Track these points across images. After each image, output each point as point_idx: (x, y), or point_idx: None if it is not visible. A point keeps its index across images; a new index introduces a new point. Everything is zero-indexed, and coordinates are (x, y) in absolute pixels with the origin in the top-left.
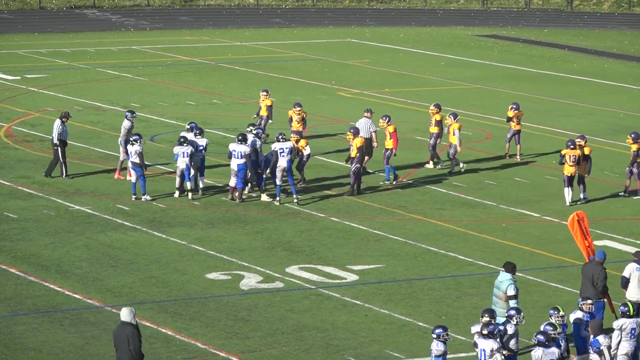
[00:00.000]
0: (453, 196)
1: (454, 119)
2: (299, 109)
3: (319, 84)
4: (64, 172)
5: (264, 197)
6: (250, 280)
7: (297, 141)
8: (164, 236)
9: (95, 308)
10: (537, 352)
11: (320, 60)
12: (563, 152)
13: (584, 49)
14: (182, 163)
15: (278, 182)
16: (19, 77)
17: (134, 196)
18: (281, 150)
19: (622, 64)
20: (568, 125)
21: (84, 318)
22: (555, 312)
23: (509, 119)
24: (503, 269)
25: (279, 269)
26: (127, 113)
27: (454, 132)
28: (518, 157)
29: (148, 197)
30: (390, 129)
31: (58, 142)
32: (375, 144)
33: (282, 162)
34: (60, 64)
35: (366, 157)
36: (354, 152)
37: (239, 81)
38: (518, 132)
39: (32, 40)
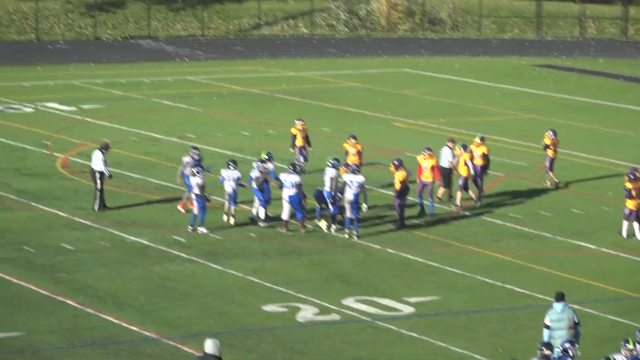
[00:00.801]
0: (509, 228)
1: (464, 150)
2: (354, 141)
3: (373, 114)
4: (98, 204)
5: (323, 224)
6: (306, 313)
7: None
8: (220, 268)
9: (152, 340)
10: None
11: (375, 90)
12: (628, 185)
13: (639, 79)
14: (228, 187)
15: (348, 214)
16: (74, 108)
17: (190, 227)
18: (350, 182)
19: None
20: (624, 156)
21: (141, 350)
22: (626, 345)
23: (546, 147)
24: (559, 300)
25: (335, 300)
26: (190, 149)
27: (465, 163)
28: (548, 182)
29: (204, 230)
30: (433, 162)
31: (99, 173)
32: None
33: (349, 195)
34: (115, 95)
35: (445, 189)
36: (397, 185)
37: (294, 111)
38: (553, 159)
39: (88, 71)
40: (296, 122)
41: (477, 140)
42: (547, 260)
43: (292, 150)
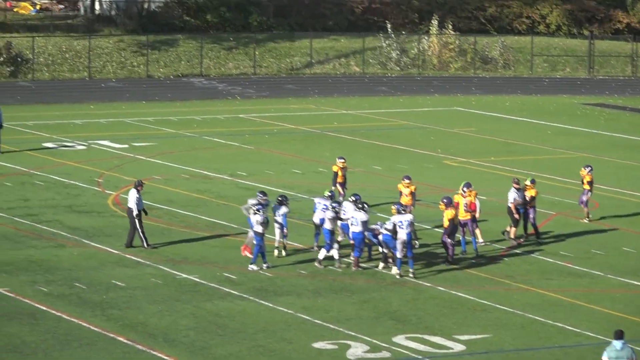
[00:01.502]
0: (560, 266)
1: (468, 188)
2: (407, 181)
3: (424, 152)
4: (145, 242)
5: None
6: (357, 350)
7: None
8: (270, 305)
9: None
10: None
11: (426, 128)
12: None
13: None
14: (316, 218)
15: (399, 255)
16: (126, 145)
17: (264, 265)
18: (400, 223)
19: None
20: None
21: None
22: None
23: (583, 182)
24: (619, 338)
25: (385, 338)
26: (258, 193)
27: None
28: (586, 219)
29: (255, 267)
30: (473, 199)
31: (137, 212)
32: (516, 216)
33: (402, 235)
34: (167, 132)
35: (513, 228)
36: (445, 223)
37: (345, 149)
38: (588, 194)
39: (140, 109)
40: (338, 159)
41: (528, 182)
42: (598, 299)
43: (333, 187)
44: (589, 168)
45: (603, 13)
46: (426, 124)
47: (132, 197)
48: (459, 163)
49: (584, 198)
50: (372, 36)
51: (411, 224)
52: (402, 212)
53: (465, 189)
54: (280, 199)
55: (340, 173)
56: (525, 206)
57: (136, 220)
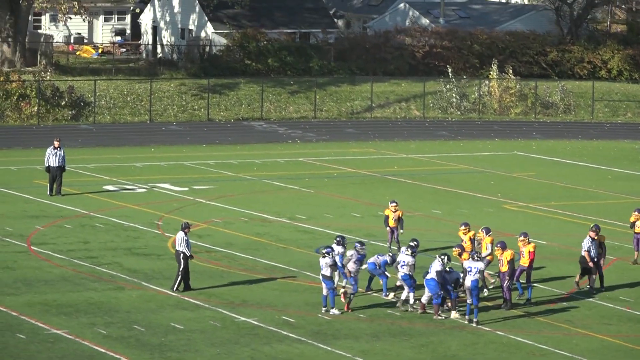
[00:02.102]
0: (620, 311)
1: (486, 234)
2: (464, 227)
3: (484, 197)
4: (176, 285)
5: (454, 315)
6: None
7: (459, 254)
8: (329, 348)
9: None
10: None
11: (486, 172)
12: None
13: None
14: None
15: (469, 301)
16: (187, 189)
17: (323, 309)
18: (469, 269)
19: None
20: None
21: None
22: None
23: (633, 225)
24: None
25: None
26: (356, 244)
27: (486, 247)
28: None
29: (336, 311)
30: (530, 247)
31: (190, 254)
32: (590, 264)
33: (468, 282)
34: (227, 175)
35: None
36: (504, 267)
37: (405, 193)
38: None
39: (200, 152)
40: (390, 203)
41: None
42: None
43: (387, 228)
44: (638, 211)
45: None
46: (486, 168)
47: (179, 239)
48: (519, 207)
49: (635, 241)
50: (432, 80)
51: (481, 272)
52: (477, 259)
53: (522, 237)
54: (337, 239)
55: (391, 217)
56: (598, 257)
57: (182, 262)
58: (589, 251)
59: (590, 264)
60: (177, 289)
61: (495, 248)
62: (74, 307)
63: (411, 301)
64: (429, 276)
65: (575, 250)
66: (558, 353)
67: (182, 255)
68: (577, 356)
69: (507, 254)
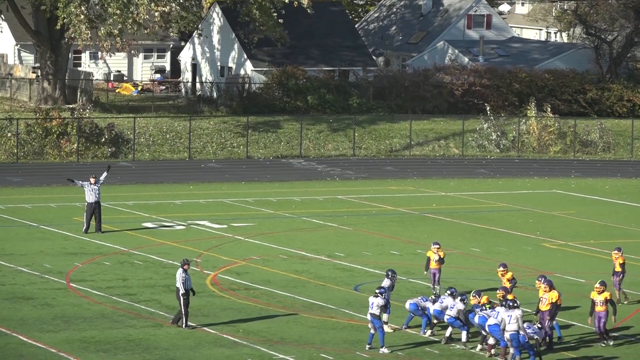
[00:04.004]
0: None
1: (504, 268)
2: (503, 269)
3: (523, 235)
4: (185, 322)
5: None
6: None
7: (503, 296)
8: None
9: None
10: None
11: (525, 210)
12: None
13: None
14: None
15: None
16: (225, 226)
17: (367, 346)
18: (509, 317)
19: None
20: None
21: None
22: None
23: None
24: None
25: None
26: (388, 272)
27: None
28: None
29: (386, 350)
30: (553, 294)
31: (184, 291)
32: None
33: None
34: (266, 213)
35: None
36: (544, 306)
37: (444, 231)
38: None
39: (239, 189)
40: (432, 245)
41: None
42: None
43: (425, 272)
44: (617, 249)
45: None
46: (525, 207)
47: (179, 276)
48: (558, 246)
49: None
50: (471, 118)
51: (516, 319)
52: (513, 306)
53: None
54: (388, 273)
55: (432, 259)
56: None
57: (182, 299)
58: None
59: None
60: (187, 325)
61: (537, 282)
62: (113, 344)
63: (464, 339)
64: (511, 328)
65: (613, 288)
66: None
67: (180, 292)
68: None
69: (553, 295)
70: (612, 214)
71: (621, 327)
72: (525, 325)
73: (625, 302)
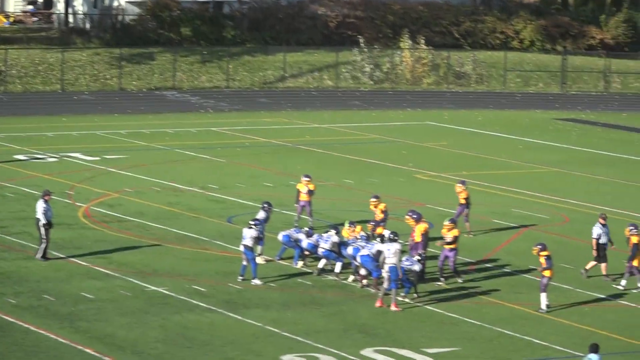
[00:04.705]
0: (529, 279)
1: (377, 199)
2: (375, 200)
3: (395, 166)
4: (44, 254)
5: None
6: None
7: (372, 229)
8: (239, 317)
9: None
10: None
11: (398, 142)
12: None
13: None
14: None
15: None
16: (98, 158)
17: (240, 277)
18: (388, 250)
19: None
20: None
21: None
22: None
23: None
24: (595, 352)
25: (353, 351)
26: (264, 204)
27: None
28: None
29: (258, 282)
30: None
31: (45, 223)
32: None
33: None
34: (139, 145)
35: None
36: (418, 238)
37: (317, 163)
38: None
39: (112, 121)
40: (302, 177)
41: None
42: (567, 313)
43: (296, 205)
44: (461, 182)
45: (577, 29)
46: (398, 138)
47: (40, 207)
48: (430, 177)
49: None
50: (345, 50)
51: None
52: (394, 239)
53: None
54: (264, 205)
55: (302, 192)
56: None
57: (43, 230)
58: (598, 238)
59: (594, 252)
60: (43, 257)
61: (406, 217)
62: None
63: (337, 270)
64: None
65: (484, 219)
66: (468, 321)
67: (39, 222)
68: (487, 325)
69: (421, 227)
70: (484, 146)
71: (493, 258)
72: (404, 258)
73: (471, 235)
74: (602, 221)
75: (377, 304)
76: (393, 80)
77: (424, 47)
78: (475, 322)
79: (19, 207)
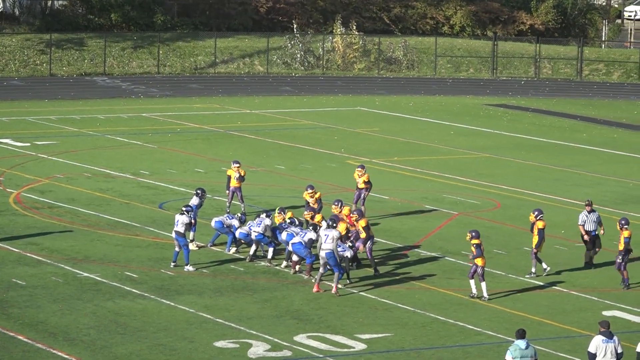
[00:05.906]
0: (462, 265)
1: (312, 190)
2: (311, 190)
3: (327, 152)
4: None
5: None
6: (258, 349)
7: (311, 217)
8: (172, 304)
9: None
10: None
11: (330, 128)
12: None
13: (593, 119)
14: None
15: (322, 270)
16: (28, 144)
17: (172, 264)
18: (326, 236)
19: (631, 134)
20: (576, 195)
21: None
22: None
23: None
24: (522, 337)
25: (287, 337)
26: (197, 190)
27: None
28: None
29: (191, 268)
30: (362, 223)
31: None
32: (586, 238)
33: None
34: (69, 131)
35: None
36: (362, 234)
37: (248, 149)
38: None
39: (42, 107)
40: (232, 164)
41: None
42: (498, 298)
43: (227, 192)
44: (361, 167)
45: (507, 14)
46: (330, 124)
47: None
48: (362, 163)
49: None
50: (276, 36)
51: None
52: (333, 226)
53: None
54: (197, 191)
55: (233, 177)
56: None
57: None
58: (583, 225)
59: (586, 237)
60: None
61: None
62: None
63: (269, 256)
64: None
65: (415, 205)
66: (400, 307)
67: None
68: (419, 310)
69: (362, 222)
70: (415, 131)
71: (425, 244)
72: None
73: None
74: (588, 208)
75: (315, 289)
76: (324, 66)
77: (356, 32)
78: (408, 307)
79: None
